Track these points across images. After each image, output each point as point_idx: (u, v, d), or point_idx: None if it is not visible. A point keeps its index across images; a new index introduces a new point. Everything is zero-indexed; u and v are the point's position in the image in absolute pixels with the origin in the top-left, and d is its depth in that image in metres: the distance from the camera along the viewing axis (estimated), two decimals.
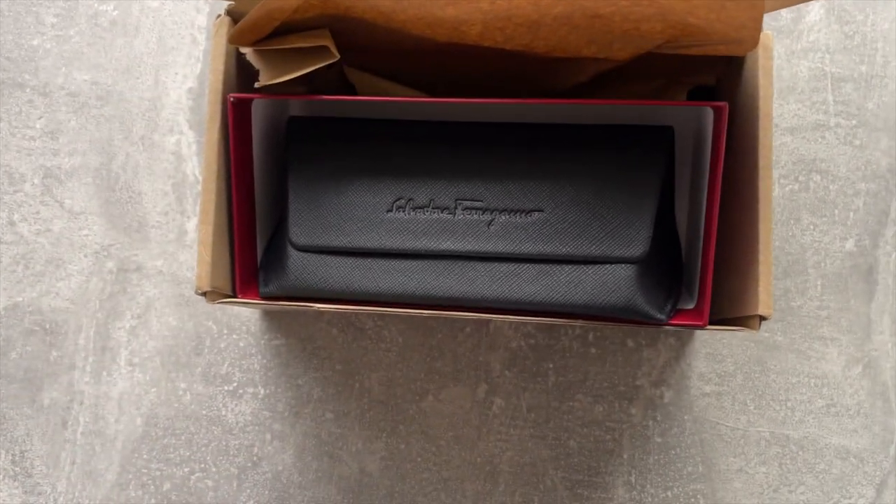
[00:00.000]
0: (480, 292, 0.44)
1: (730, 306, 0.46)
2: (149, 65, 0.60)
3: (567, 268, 0.43)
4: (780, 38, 0.58)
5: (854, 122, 0.57)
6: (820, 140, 0.57)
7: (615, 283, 0.42)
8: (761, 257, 0.42)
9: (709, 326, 0.43)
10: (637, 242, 0.42)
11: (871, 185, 0.57)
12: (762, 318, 0.42)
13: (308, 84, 0.49)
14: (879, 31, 0.58)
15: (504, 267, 0.44)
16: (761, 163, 0.43)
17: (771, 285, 0.42)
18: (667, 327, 0.44)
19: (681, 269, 0.49)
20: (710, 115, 0.45)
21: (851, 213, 0.57)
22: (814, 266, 0.56)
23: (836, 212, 0.57)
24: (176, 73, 0.60)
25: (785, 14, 0.58)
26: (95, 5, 0.61)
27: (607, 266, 0.43)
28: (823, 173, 0.57)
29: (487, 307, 0.44)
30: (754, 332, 0.42)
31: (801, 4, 0.54)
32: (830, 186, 0.57)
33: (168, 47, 0.60)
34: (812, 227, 0.57)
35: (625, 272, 0.43)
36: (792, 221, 0.57)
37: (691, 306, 0.46)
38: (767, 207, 0.43)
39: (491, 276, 0.44)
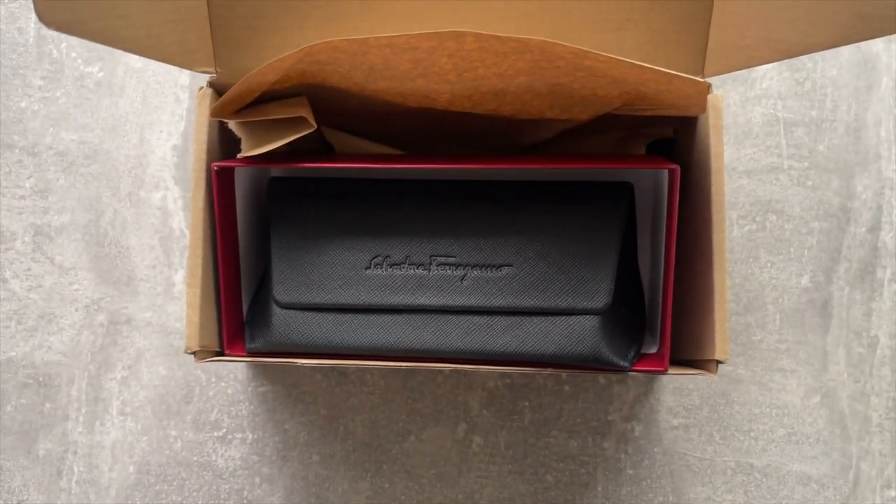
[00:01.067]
0: (455, 345, 0.46)
1: (690, 349, 0.49)
2: (134, 124, 0.63)
3: (536, 319, 0.46)
4: (734, 86, 0.61)
5: (806, 164, 0.60)
6: (775, 182, 0.60)
7: (581, 334, 0.45)
8: (717, 306, 0.45)
9: (669, 371, 0.46)
10: (600, 294, 0.45)
11: (823, 224, 0.60)
12: (719, 362, 0.45)
13: (289, 144, 0.52)
14: (828, 77, 0.61)
15: (477, 320, 0.47)
16: (714, 218, 0.46)
17: (727, 331, 0.45)
18: (634, 373, 0.47)
19: (644, 316, 0.52)
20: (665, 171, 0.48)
21: (806, 251, 0.60)
22: (772, 302, 0.59)
23: (792, 250, 0.60)
24: (161, 131, 0.63)
25: None
26: (81, 67, 0.63)
27: (573, 317, 0.45)
28: (779, 213, 0.60)
29: (462, 358, 0.47)
30: (714, 376, 0.45)
31: None
32: (786, 226, 0.60)
33: (152, 106, 0.63)
34: (770, 264, 0.60)
35: (589, 323, 0.45)
36: (751, 260, 0.60)
37: (654, 350, 0.49)
38: (721, 259, 0.45)
39: (465, 329, 0.46)
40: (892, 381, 0.59)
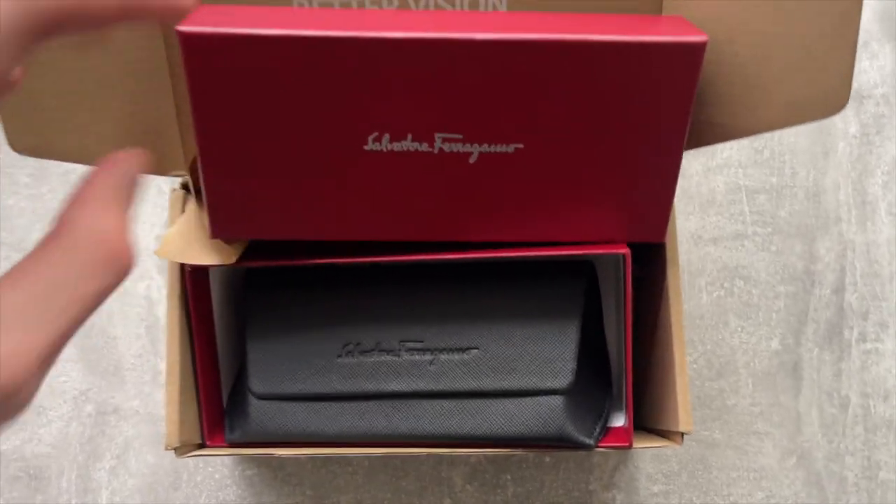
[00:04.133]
0: (426, 429, 0.47)
1: (658, 419, 0.50)
2: None
3: (502, 401, 0.47)
4: (696, 156, 0.63)
5: (769, 229, 0.62)
6: (740, 248, 0.62)
7: (546, 415, 0.46)
8: (678, 379, 0.47)
9: (635, 446, 0.47)
10: (563, 374, 0.47)
11: (789, 288, 0.61)
12: (683, 434, 0.46)
13: None
14: (786, 144, 0.63)
15: (446, 404, 0.48)
16: (673, 310, 0.47)
17: (688, 404, 0.46)
18: (601, 449, 0.48)
19: (610, 389, 0.53)
20: None
21: (774, 315, 0.61)
22: (744, 366, 0.61)
23: (760, 314, 0.61)
24: (144, 223, 0.65)
25: None
26: (65, 164, 0.66)
27: (538, 398, 0.47)
28: (746, 279, 0.62)
29: (434, 443, 0.48)
30: (678, 447, 0.46)
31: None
32: (753, 291, 0.61)
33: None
34: (740, 329, 0.61)
35: (554, 402, 0.47)
36: (721, 325, 0.61)
37: (622, 422, 0.50)
38: (679, 333, 0.47)
39: (435, 414, 0.48)
40: (866, 440, 0.60)
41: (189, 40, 0.39)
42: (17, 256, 0.63)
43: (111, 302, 0.62)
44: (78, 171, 0.65)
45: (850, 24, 0.40)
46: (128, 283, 0.62)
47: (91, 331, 0.63)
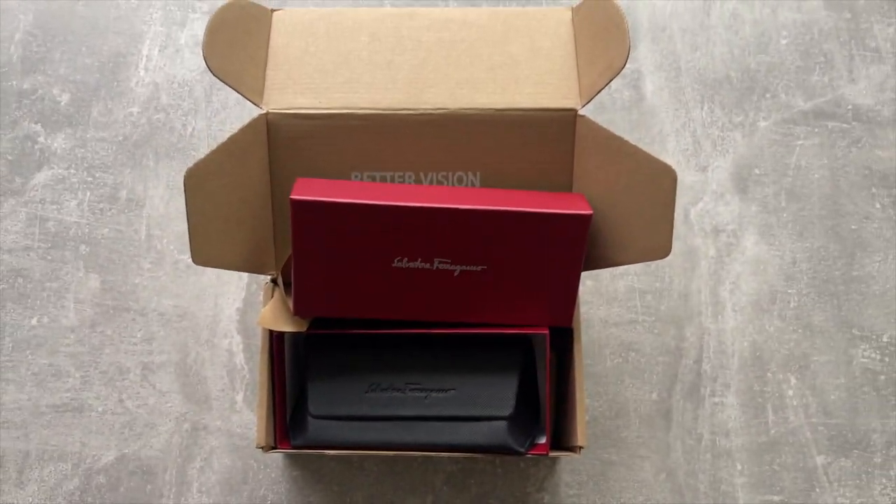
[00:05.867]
0: (420, 440, 0.76)
1: (567, 439, 0.79)
2: (210, 293, 0.94)
3: (469, 423, 0.76)
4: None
5: (653, 318, 0.92)
6: (633, 330, 0.92)
7: (495, 432, 0.75)
8: (578, 413, 0.76)
9: (550, 454, 0.76)
10: (507, 406, 0.75)
11: (665, 358, 0.91)
12: (580, 447, 0.75)
13: None
14: (667, 261, 0.93)
15: (434, 424, 0.76)
16: (577, 368, 0.76)
17: (585, 428, 0.75)
18: (529, 456, 0.77)
19: (538, 418, 0.82)
20: None
21: (655, 376, 0.91)
22: (633, 410, 0.90)
23: (646, 375, 0.91)
24: (228, 298, 0.94)
25: None
26: (176, 255, 0.95)
27: (491, 422, 0.75)
28: (637, 351, 0.92)
29: (427, 448, 0.76)
30: (578, 456, 0.75)
31: None
32: (641, 359, 0.91)
33: (223, 281, 0.94)
34: (631, 385, 0.91)
35: (501, 425, 0.75)
36: (619, 382, 0.91)
37: (543, 440, 0.79)
38: (581, 386, 0.76)
39: (426, 431, 0.76)
40: (712, 463, 0.89)
41: (297, 204, 0.69)
42: (140, 319, 0.93)
43: (203, 353, 0.91)
44: (184, 263, 0.95)
45: (669, 209, 0.70)
46: (216, 340, 0.92)
47: (189, 371, 0.92)
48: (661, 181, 0.70)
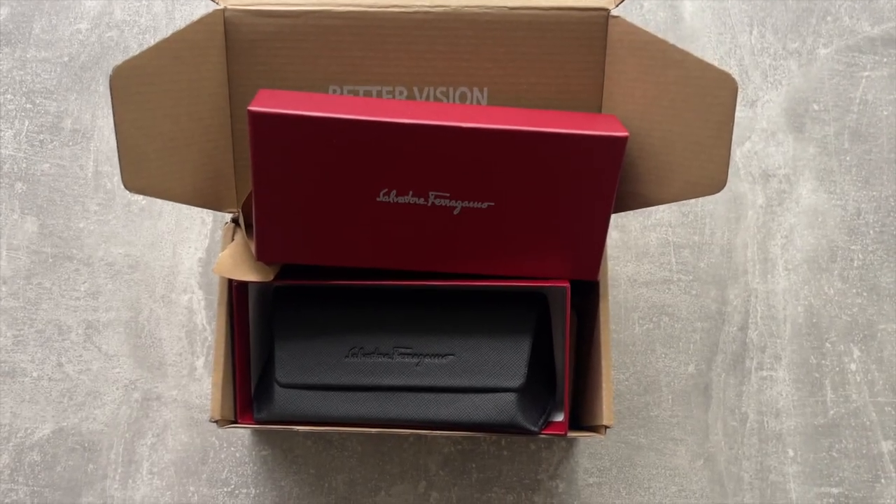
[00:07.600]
0: (410, 415, 0.62)
1: (589, 417, 0.65)
2: (168, 241, 0.80)
3: (470, 395, 0.62)
4: (635, 216, 0.79)
5: (691, 277, 0.78)
6: (667, 291, 0.78)
7: (502, 406, 0.61)
8: (604, 386, 0.62)
9: (569, 434, 0.62)
10: (517, 376, 0.62)
11: (705, 324, 0.77)
12: (606, 427, 0.61)
13: None
14: (707, 210, 0.79)
15: (428, 396, 0.63)
16: (603, 333, 0.62)
17: (611, 405, 0.61)
18: (543, 436, 0.63)
19: (554, 392, 0.68)
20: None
21: (691, 345, 0.77)
22: (666, 385, 0.76)
23: (680, 344, 0.77)
24: (189, 247, 0.80)
25: None
26: (128, 196, 0.81)
27: (497, 394, 0.62)
28: (671, 315, 0.77)
29: (416, 425, 0.62)
30: (602, 437, 0.61)
31: None
32: (675, 325, 0.77)
33: (183, 227, 0.80)
34: (663, 355, 0.77)
35: (509, 398, 0.62)
36: (649, 352, 0.77)
37: (561, 418, 0.65)
38: (608, 352, 0.62)
39: (418, 403, 0.62)
40: (759, 448, 0.75)
41: (256, 117, 0.55)
42: (85, 269, 0.79)
43: (158, 310, 0.77)
44: (138, 205, 0.81)
45: (726, 129, 0.56)
46: (173, 295, 0.78)
47: (141, 332, 0.78)
48: (717, 93, 0.56)
